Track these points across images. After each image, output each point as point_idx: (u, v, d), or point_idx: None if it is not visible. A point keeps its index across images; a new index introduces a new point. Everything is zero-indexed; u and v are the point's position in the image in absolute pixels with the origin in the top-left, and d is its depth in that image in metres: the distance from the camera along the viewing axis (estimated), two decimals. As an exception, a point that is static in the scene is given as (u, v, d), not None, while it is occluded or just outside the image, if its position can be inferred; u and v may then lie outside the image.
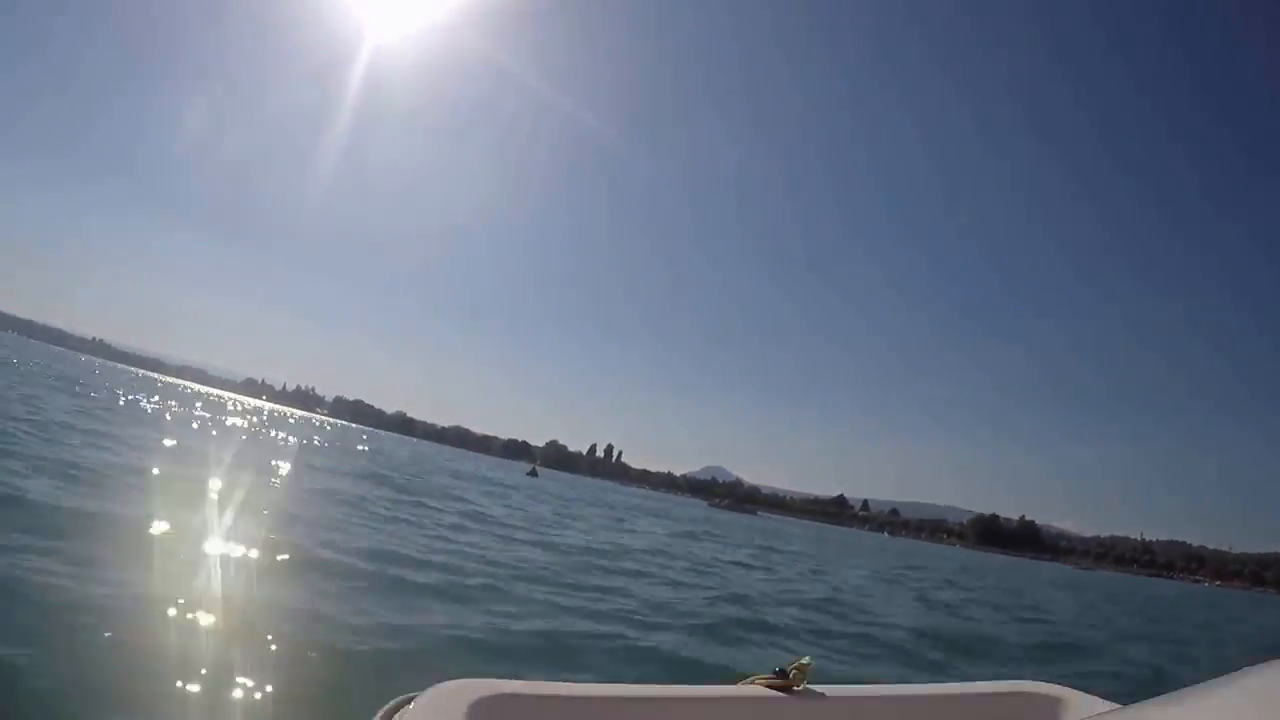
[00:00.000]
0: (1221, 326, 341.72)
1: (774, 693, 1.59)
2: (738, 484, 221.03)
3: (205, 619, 4.72)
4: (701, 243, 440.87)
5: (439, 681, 1.38)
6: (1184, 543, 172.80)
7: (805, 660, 1.62)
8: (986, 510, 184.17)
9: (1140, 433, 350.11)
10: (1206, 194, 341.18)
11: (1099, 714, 0.94)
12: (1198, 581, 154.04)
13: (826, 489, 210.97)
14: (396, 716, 1.28)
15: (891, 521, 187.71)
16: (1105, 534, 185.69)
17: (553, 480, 68.19)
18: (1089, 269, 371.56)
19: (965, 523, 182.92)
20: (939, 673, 7.96)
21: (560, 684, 1.48)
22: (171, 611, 4.69)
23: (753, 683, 1.63)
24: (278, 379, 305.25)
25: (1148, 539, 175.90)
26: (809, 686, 1.61)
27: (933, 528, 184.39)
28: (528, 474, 69.30)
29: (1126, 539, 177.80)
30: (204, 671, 3.95)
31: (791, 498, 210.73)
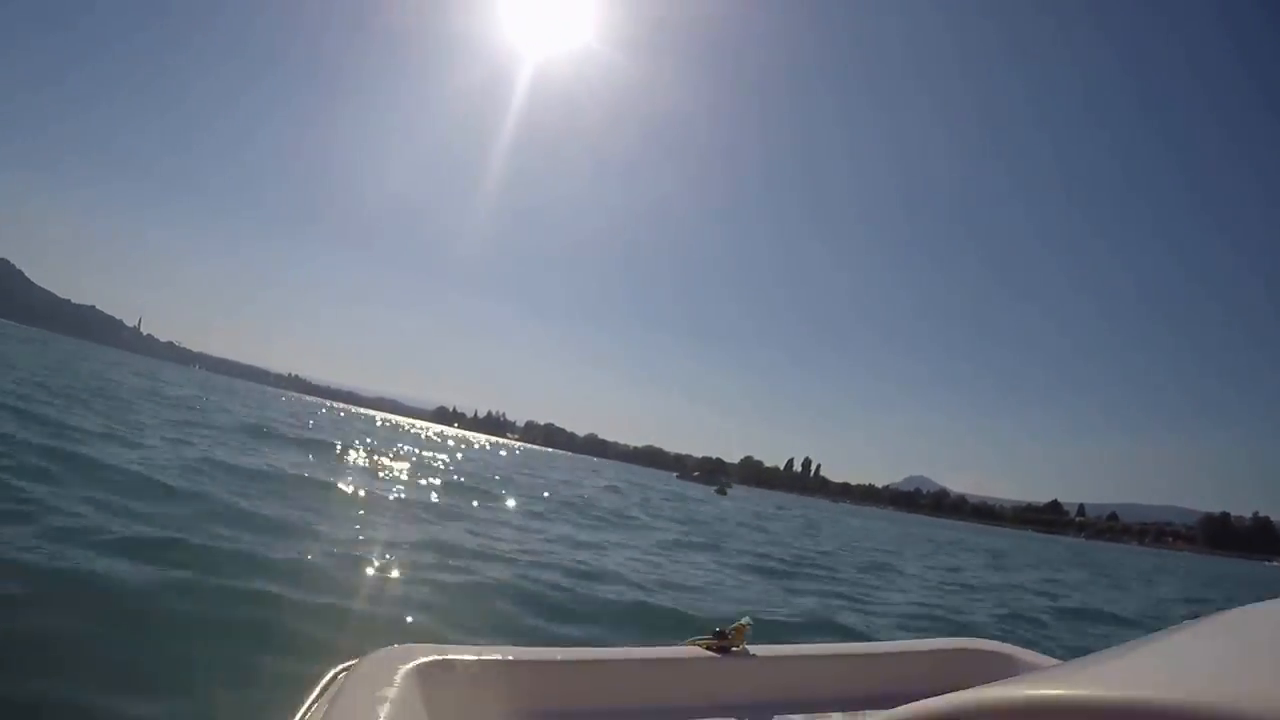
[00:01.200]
0: None
1: (711, 654, 1.62)
2: (943, 493, 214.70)
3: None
4: (895, 252, 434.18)
5: (377, 648, 1.41)
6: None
7: (744, 621, 1.66)
8: (1215, 509, 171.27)
9: None
10: None
11: (1044, 670, 1.00)
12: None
13: (1039, 495, 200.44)
14: (335, 683, 1.30)
15: (1111, 527, 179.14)
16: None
17: (746, 499, 60.26)
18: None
19: (1193, 524, 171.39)
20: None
21: (500, 648, 1.51)
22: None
23: (692, 644, 1.66)
24: (469, 406, 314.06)
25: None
26: (746, 647, 1.65)
27: (1157, 531, 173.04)
28: (716, 491, 64.27)
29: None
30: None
31: (1001, 505, 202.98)
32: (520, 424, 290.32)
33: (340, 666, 1.36)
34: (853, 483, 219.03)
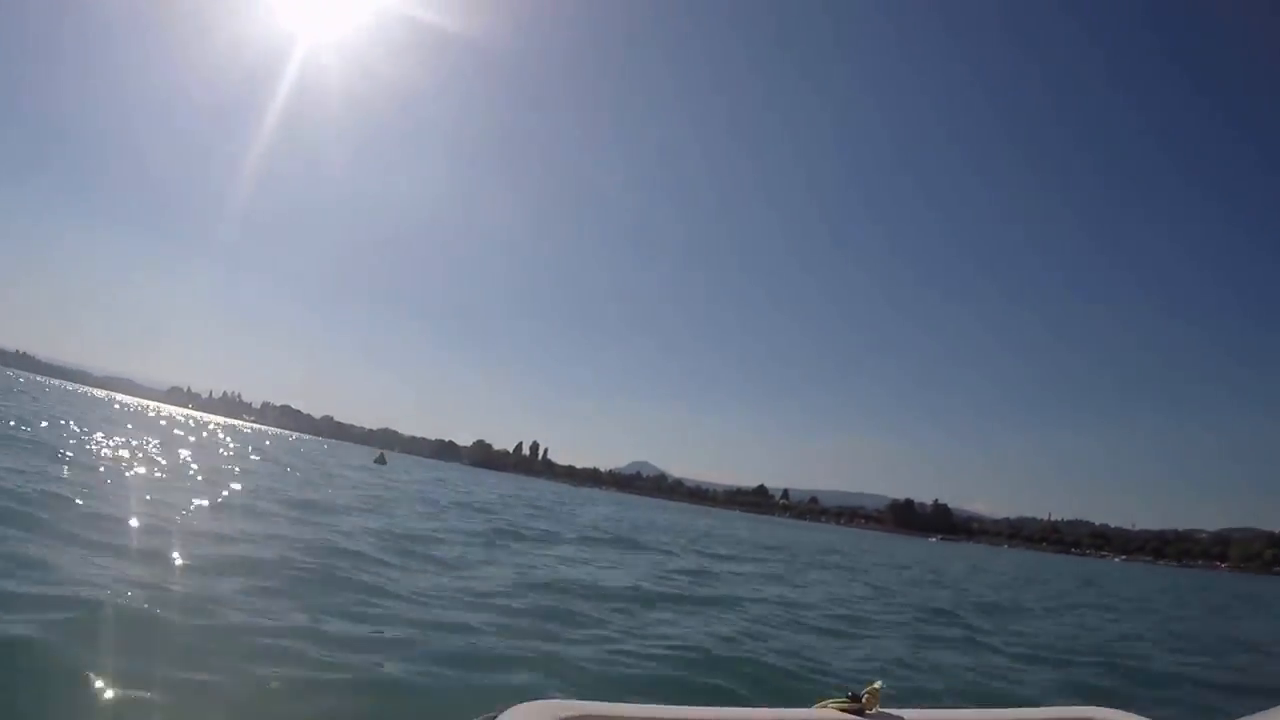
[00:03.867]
0: (1126, 323, 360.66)
1: (847, 716, 1.60)
2: (662, 477, 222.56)
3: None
4: (631, 238, 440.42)
5: (518, 702, 1.37)
6: (1089, 522, 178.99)
7: (876, 684, 1.65)
8: (902, 496, 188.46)
9: (1047, 419, 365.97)
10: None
11: None
12: (1103, 557, 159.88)
13: (750, 480, 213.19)
14: None
15: (811, 509, 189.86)
16: (1015, 515, 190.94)
17: (406, 470, 58.49)
18: (995, 261, 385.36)
19: (882, 508, 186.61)
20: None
21: (640, 706, 1.47)
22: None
23: (825, 707, 1.64)
24: (204, 386, 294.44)
25: (1054, 519, 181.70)
26: (882, 710, 1.63)
27: (851, 514, 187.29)
28: (375, 461, 61.88)
29: (1035, 519, 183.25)
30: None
31: (714, 489, 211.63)
32: (257, 405, 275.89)
33: (480, 718, 1.35)
34: (578, 466, 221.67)
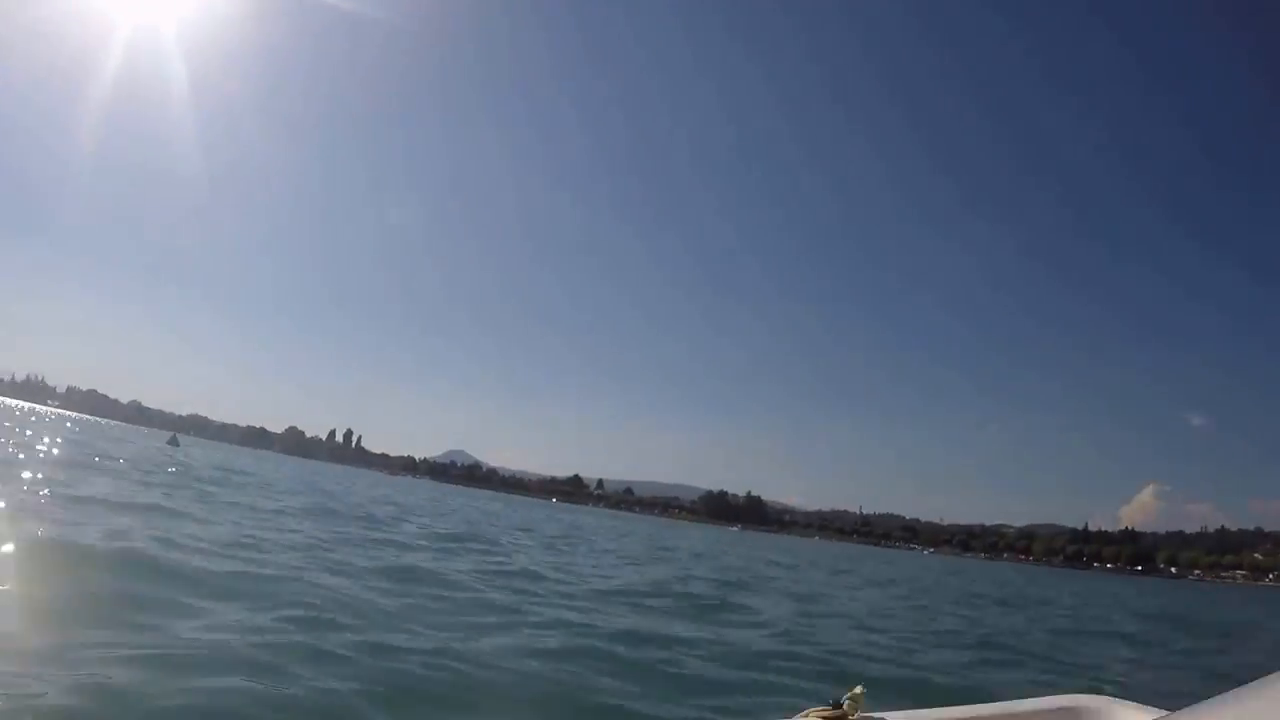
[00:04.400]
0: (935, 323, 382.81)
1: None
2: (477, 466, 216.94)
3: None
4: (455, 221, 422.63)
5: None
6: (899, 515, 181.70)
7: (858, 689, 1.66)
8: (715, 487, 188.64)
9: (856, 415, 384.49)
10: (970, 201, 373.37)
11: None
12: (911, 549, 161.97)
13: (566, 470, 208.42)
14: None
15: (626, 499, 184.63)
16: (827, 508, 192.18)
17: (197, 451, 60.10)
18: (808, 257, 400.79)
19: (696, 499, 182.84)
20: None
21: None
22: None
23: (807, 715, 1.65)
24: (4, 369, 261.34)
25: (865, 512, 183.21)
26: (864, 715, 1.64)
27: (665, 504, 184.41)
28: (168, 443, 61.08)
29: (846, 512, 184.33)
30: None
31: (530, 479, 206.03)
32: (62, 389, 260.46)
33: None
34: (393, 454, 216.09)
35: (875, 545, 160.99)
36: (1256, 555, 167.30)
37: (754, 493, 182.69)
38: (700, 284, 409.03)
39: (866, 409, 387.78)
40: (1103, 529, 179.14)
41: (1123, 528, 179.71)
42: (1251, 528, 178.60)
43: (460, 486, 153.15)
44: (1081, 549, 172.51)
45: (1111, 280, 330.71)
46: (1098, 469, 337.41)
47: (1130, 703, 1.78)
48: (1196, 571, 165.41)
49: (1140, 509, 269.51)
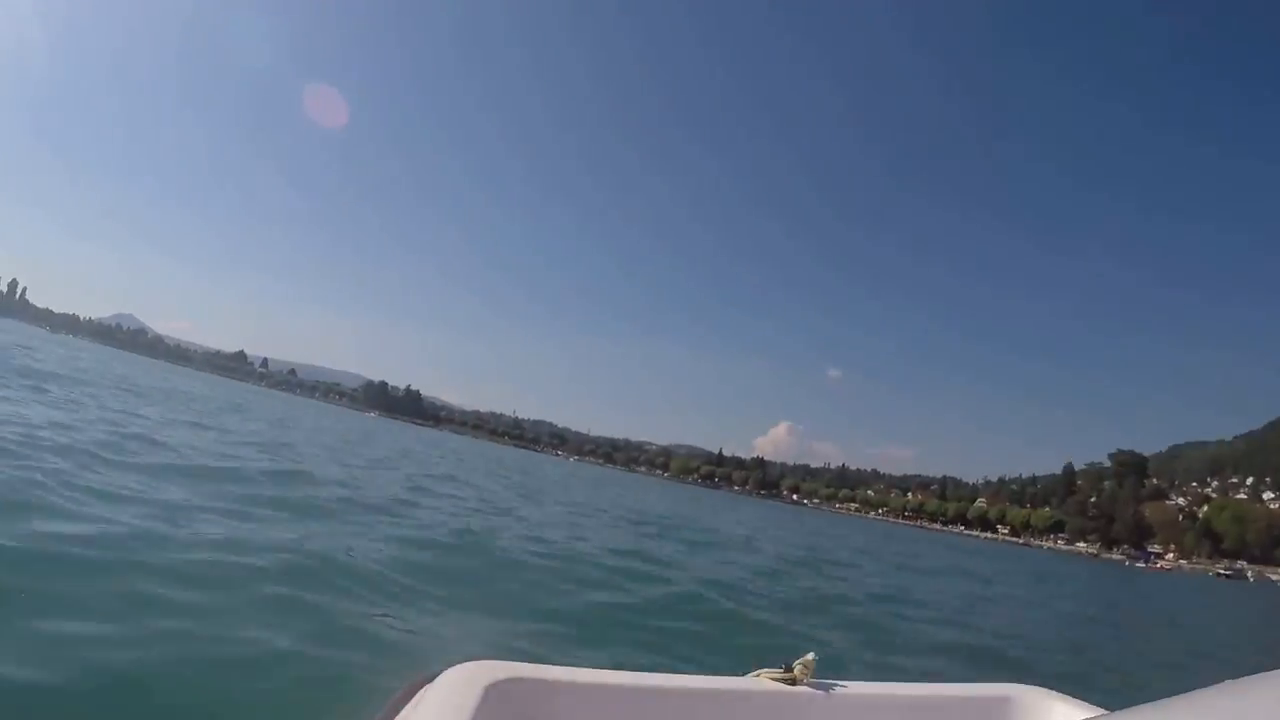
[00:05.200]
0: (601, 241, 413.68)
1: (780, 686, 1.66)
2: (142, 332, 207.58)
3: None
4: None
5: (457, 662, 1.39)
6: (550, 423, 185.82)
7: (809, 656, 1.71)
8: (378, 377, 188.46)
9: (525, 320, 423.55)
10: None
11: (1089, 719, 0.90)
12: (559, 456, 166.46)
13: (233, 345, 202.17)
14: (416, 696, 1.31)
15: (288, 381, 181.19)
16: (485, 409, 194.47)
17: None
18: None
19: (358, 387, 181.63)
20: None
21: (576, 670, 1.51)
22: None
23: (759, 677, 1.70)
24: None
25: (520, 416, 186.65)
26: (813, 680, 1.69)
27: (326, 389, 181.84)
28: None
29: (502, 415, 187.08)
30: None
31: (196, 350, 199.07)
32: None
33: (419, 677, 1.37)
34: (56, 310, 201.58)
35: (525, 448, 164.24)
36: (869, 492, 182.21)
37: (415, 387, 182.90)
38: (395, 184, 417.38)
39: (535, 316, 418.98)
40: (737, 455, 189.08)
41: (755, 456, 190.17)
42: (868, 469, 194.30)
43: (118, 351, 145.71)
44: (715, 471, 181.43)
45: (781, 251, 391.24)
46: (740, 403, 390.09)
47: (1068, 697, 1.80)
48: (816, 500, 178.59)
49: (773, 442, 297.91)
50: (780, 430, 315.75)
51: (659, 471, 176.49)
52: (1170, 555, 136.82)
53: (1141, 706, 0.85)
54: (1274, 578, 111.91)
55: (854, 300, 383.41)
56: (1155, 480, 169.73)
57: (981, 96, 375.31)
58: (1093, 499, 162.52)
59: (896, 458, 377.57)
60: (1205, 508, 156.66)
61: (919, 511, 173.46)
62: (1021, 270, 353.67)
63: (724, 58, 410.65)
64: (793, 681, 1.68)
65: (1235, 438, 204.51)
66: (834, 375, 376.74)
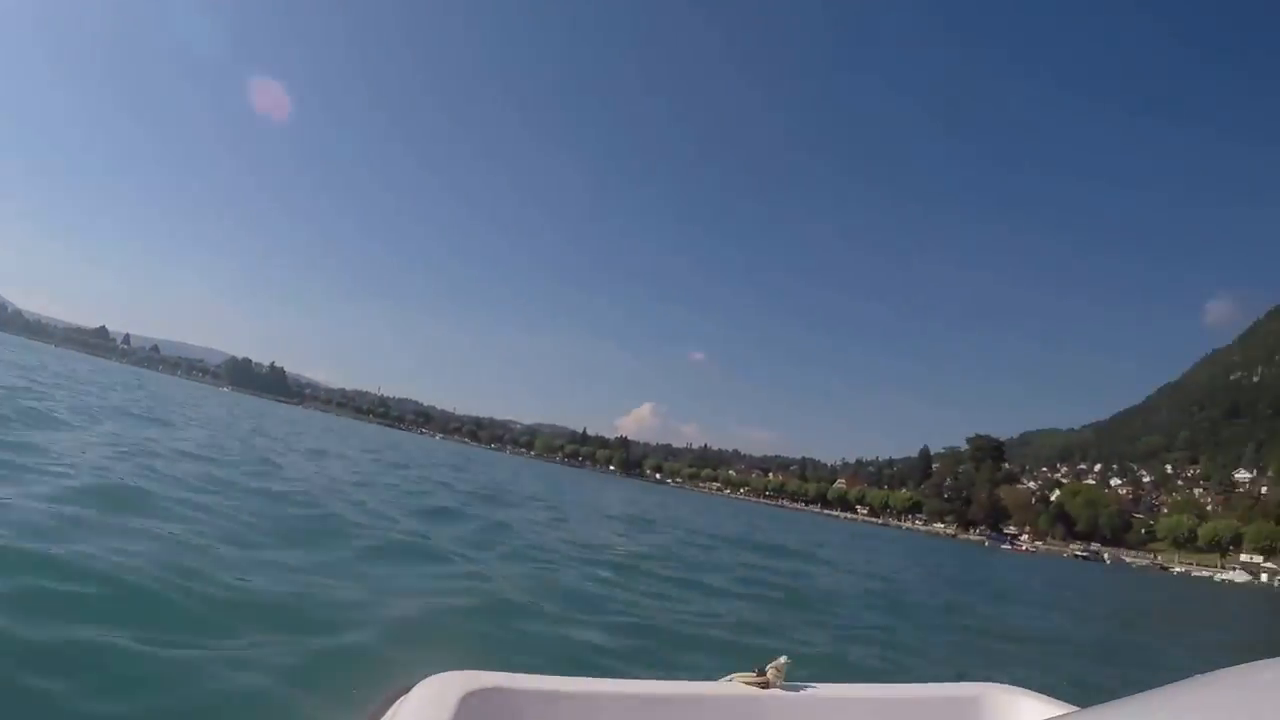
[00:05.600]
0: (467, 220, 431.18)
1: (753, 690, 1.67)
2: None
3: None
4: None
5: (433, 673, 1.40)
6: (416, 401, 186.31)
7: (782, 660, 1.72)
8: (241, 354, 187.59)
9: (386, 300, 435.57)
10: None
11: (1058, 716, 0.98)
12: (425, 434, 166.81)
13: (99, 320, 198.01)
14: (392, 709, 1.31)
15: (151, 358, 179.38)
16: (351, 387, 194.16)
17: None
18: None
19: (221, 364, 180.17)
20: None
21: (551, 678, 1.53)
22: None
23: (731, 680, 1.71)
24: None
25: (385, 394, 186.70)
26: (786, 684, 1.70)
27: (190, 366, 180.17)
28: None
29: (367, 393, 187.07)
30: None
31: (56, 325, 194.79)
32: None
33: (394, 689, 1.39)
34: None
35: (390, 426, 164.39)
36: (731, 472, 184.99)
37: (281, 365, 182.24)
38: (271, 161, 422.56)
39: (396, 296, 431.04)
40: (601, 435, 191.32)
41: (619, 436, 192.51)
42: (730, 449, 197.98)
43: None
44: (579, 450, 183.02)
45: (644, 239, 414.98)
46: (605, 384, 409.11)
47: (1038, 694, 1.80)
48: (678, 480, 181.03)
49: (636, 421, 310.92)
50: (644, 411, 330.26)
51: (524, 450, 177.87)
52: (1025, 536, 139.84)
53: (1112, 702, 0.85)
54: (1128, 560, 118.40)
55: (716, 288, 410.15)
56: (1008, 465, 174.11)
57: (824, 106, 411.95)
58: (948, 481, 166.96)
59: (757, 439, 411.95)
60: (1056, 492, 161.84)
61: (780, 491, 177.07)
62: (876, 267, 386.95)
63: (558, 43, 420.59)
64: (765, 685, 1.71)
65: (1083, 426, 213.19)
66: (697, 358, 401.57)
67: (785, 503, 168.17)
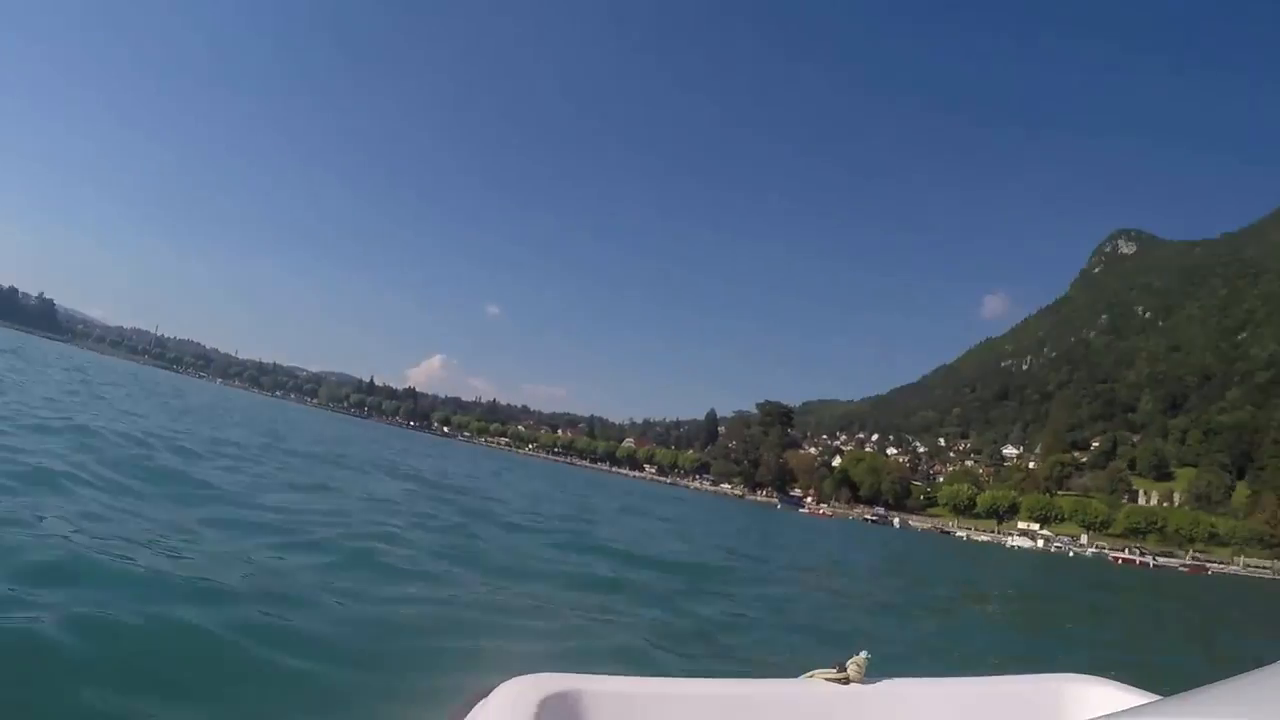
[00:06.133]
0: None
1: (834, 686, 1.68)
2: None
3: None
4: None
5: (513, 675, 1.41)
6: (198, 343, 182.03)
7: (862, 655, 1.72)
8: (6, 283, 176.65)
9: (173, 234, 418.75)
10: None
11: (1139, 706, 0.95)
12: (203, 378, 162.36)
13: None
14: (473, 711, 1.33)
15: None
16: (129, 325, 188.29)
17: None
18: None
19: None
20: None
21: (630, 679, 1.53)
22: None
23: (812, 677, 1.71)
24: None
25: (164, 335, 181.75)
26: (866, 679, 1.71)
27: None
28: None
29: (147, 332, 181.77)
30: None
31: None
32: None
33: (473, 693, 1.40)
34: None
35: (167, 369, 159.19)
36: (520, 427, 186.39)
37: (49, 296, 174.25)
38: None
39: (187, 231, 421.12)
40: (389, 385, 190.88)
41: (408, 387, 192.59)
42: (519, 405, 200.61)
43: None
44: (365, 400, 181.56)
45: (437, 204, 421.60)
46: (396, 333, 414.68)
47: (1123, 684, 1.78)
48: (466, 434, 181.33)
49: (426, 373, 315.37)
50: (434, 362, 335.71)
51: (308, 399, 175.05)
52: (810, 499, 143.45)
53: (1195, 690, 0.84)
54: (914, 524, 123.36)
55: (515, 246, 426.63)
56: (792, 431, 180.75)
57: (605, 76, 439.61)
58: (732, 444, 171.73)
59: (548, 395, 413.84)
60: (838, 458, 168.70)
61: (569, 449, 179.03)
62: (675, 235, 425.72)
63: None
64: (845, 680, 1.70)
65: (863, 399, 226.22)
66: (493, 312, 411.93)
67: (574, 460, 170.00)
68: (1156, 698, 1.15)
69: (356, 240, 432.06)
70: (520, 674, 1.45)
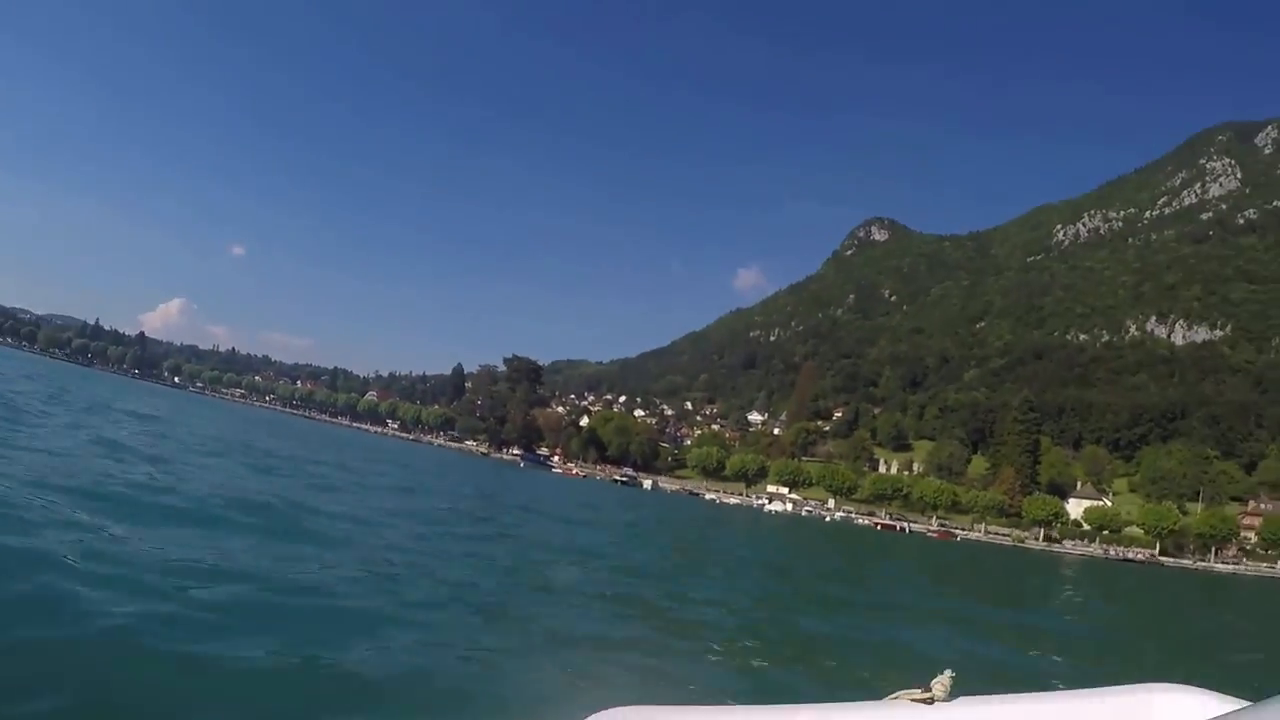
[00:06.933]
0: None
1: (919, 706, 1.67)
2: None
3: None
4: None
5: (603, 708, 1.39)
6: None
7: (947, 675, 1.73)
8: None
9: None
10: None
11: (1231, 712, 0.92)
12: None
13: None
14: None
15: None
16: None
17: None
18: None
19: None
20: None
21: (718, 709, 1.55)
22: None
23: (897, 699, 1.71)
24: None
25: None
26: (950, 699, 1.70)
27: None
28: None
29: None
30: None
31: None
32: None
33: None
34: None
35: None
36: (257, 378, 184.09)
37: None
38: None
39: None
40: (117, 330, 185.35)
41: (140, 332, 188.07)
42: (260, 355, 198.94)
43: None
44: (89, 344, 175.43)
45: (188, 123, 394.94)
46: (130, 274, 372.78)
47: (1211, 691, 1.74)
48: (200, 384, 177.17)
49: (162, 317, 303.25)
50: (172, 307, 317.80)
51: (26, 344, 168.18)
52: (557, 458, 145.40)
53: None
54: (665, 485, 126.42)
55: (268, 178, 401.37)
56: (541, 389, 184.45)
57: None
58: (479, 400, 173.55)
59: (293, 345, 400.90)
60: (586, 417, 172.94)
61: (308, 401, 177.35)
62: (428, 194, 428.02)
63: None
64: (930, 701, 1.70)
65: (611, 361, 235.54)
66: (238, 252, 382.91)
67: (314, 414, 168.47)
68: (1246, 704, 1.13)
69: (92, 161, 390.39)
70: (609, 705, 1.46)
